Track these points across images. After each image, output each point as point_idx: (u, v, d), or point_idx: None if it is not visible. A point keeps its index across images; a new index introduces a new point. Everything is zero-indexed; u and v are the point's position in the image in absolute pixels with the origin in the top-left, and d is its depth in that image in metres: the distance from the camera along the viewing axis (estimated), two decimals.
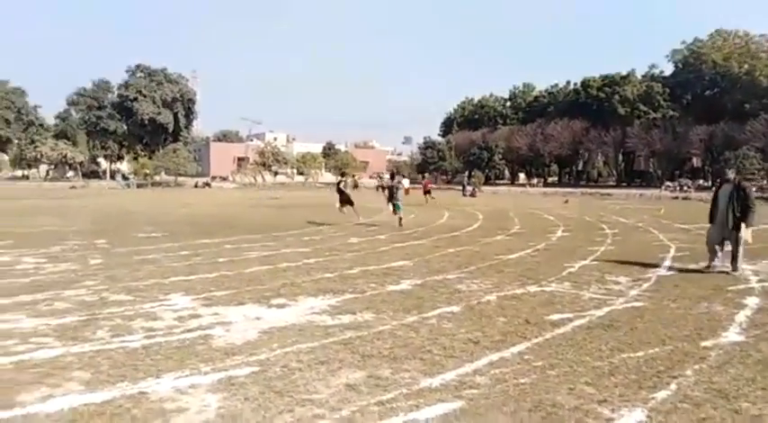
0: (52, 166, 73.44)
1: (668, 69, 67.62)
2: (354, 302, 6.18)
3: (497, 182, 77.67)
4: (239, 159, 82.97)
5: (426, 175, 59.94)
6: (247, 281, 7.33)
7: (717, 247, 8.54)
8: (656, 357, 4.40)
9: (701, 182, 56.78)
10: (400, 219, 15.22)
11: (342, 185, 17.62)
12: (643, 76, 68.29)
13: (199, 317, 5.51)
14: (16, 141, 75.02)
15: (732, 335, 5.07)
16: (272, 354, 4.39)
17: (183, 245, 10.93)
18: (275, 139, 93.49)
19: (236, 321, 5.36)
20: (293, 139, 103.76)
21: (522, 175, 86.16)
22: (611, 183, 72.80)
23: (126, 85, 77.24)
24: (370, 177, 77.12)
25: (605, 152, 72.64)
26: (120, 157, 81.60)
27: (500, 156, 72.11)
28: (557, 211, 22.49)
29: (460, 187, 44.26)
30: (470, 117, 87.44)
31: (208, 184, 58.43)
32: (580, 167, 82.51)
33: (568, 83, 76.50)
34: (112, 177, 73.28)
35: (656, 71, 68.34)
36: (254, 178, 68.06)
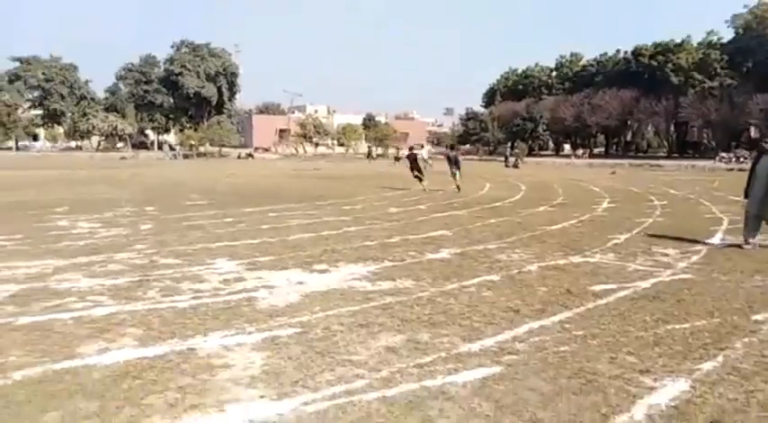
0: (103, 138, 76.16)
1: (727, 35, 63.75)
2: (394, 270, 6.23)
3: (541, 153, 75.91)
4: (281, 131, 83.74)
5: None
6: (290, 247, 7.48)
7: (756, 222, 7.89)
8: (704, 329, 4.28)
9: None
10: (458, 186, 17.06)
11: (415, 156, 18.94)
12: (699, 44, 64.67)
13: (243, 280, 5.68)
14: (69, 114, 77.98)
15: None
16: (313, 316, 4.50)
17: (227, 212, 11.22)
18: (316, 111, 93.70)
19: (279, 285, 5.50)
20: (334, 111, 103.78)
21: (567, 146, 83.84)
22: (662, 154, 70.05)
23: (171, 61, 78.91)
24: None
25: (656, 123, 69.72)
26: (166, 129, 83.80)
27: (544, 126, 70.30)
28: (603, 183, 21.85)
29: (503, 158, 43.50)
30: (514, 88, 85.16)
31: (251, 155, 59.39)
32: (629, 138, 79.64)
33: (618, 51, 73.23)
34: (160, 148, 75.38)
35: (714, 38, 64.54)
36: (296, 149, 68.77)
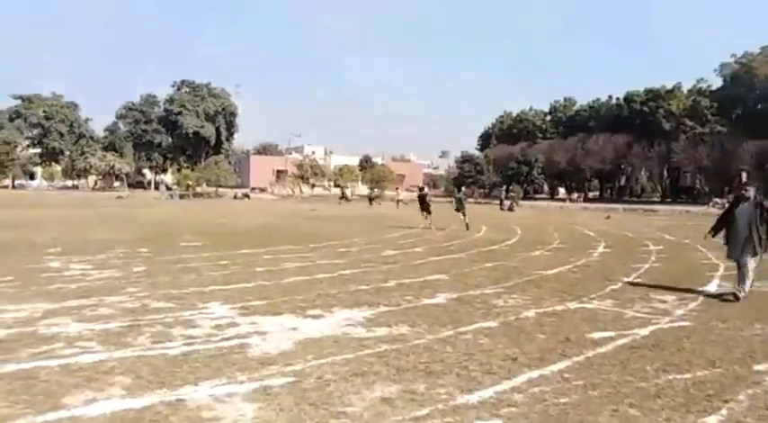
0: (100, 177, 76.50)
1: (716, 83, 65.53)
2: (389, 315, 6.15)
3: (536, 196, 76.54)
4: (278, 172, 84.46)
5: (425, 186, 61.61)
6: (284, 291, 7.39)
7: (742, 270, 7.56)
8: (706, 380, 4.20)
9: None
10: (467, 224, 18.88)
11: (424, 196, 21.09)
12: (689, 91, 66.45)
13: (236, 326, 5.58)
14: (68, 153, 78.55)
15: None
16: (307, 364, 4.40)
17: (222, 254, 11.14)
18: (313, 152, 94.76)
19: (272, 331, 5.40)
20: (331, 153, 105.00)
21: (561, 190, 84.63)
22: (656, 199, 70.78)
23: (171, 100, 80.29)
24: (407, 190, 77.15)
25: (649, 167, 70.79)
26: (164, 169, 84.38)
27: (539, 170, 71.17)
28: (598, 227, 21.95)
29: (498, 201, 43.82)
30: (509, 131, 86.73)
31: (247, 196, 59.67)
32: (622, 183, 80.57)
33: (610, 97, 75.14)
34: (156, 188, 75.72)
35: (704, 85, 66.33)
36: (292, 190, 69.10)
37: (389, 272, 9.27)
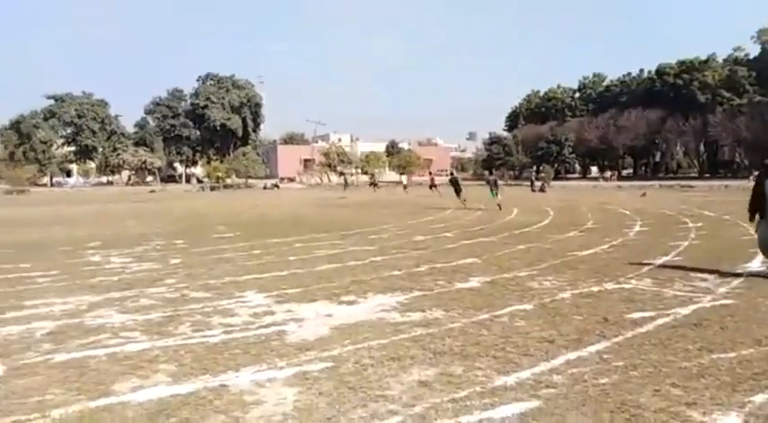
0: (133, 172, 78.34)
1: (754, 51, 62.96)
2: (423, 300, 6.17)
3: (568, 176, 75.31)
4: (305, 161, 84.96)
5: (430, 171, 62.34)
6: (317, 278, 7.50)
7: None
8: (752, 358, 4.11)
9: None
10: (499, 204, 19.83)
11: (456, 179, 23.55)
12: (725, 60, 64.01)
13: (273, 313, 5.70)
14: (101, 149, 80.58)
15: None
16: (343, 349, 4.47)
17: (255, 244, 11.34)
18: (339, 139, 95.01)
19: (308, 318, 5.50)
20: (357, 139, 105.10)
21: (594, 169, 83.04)
22: (693, 174, 68.76)
23: (197, 94, 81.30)
24: (436, 174, 76.83)
25: (685, 142, 68.71)
26: (194, 162, 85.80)
27: (570, 149, 69.86)
28: (633, 206, 21.49)
29: (528, 183, 43.26)
30: (537, 110, 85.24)
31: (276, 186, 60.34)
32: (657, 159, 78.53)
33: (642, 71, 73.01)
34: (188, 181, 77.16)
35: (740, 54, 63.79)
36: (320, 179, 69.50)
37: (421, 257, 9.29)
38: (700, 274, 7.32)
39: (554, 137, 69.67)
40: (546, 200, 27.17)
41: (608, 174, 65.06)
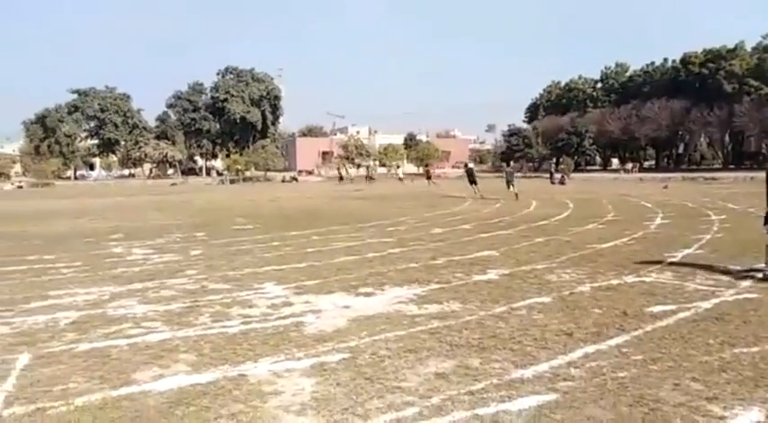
0: (154, 165, 79.36)
1: None
2: (440, 292, 6.17)
3: (588, 168, 74.31)
4: (324, 153, 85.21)
5: (428, 163, 63.02)
6: (335, 270, 7.53)
7: None
8: None
9: None
10: (516, 194, 21.23)
11: (471, 171, 25.34)
12: (754, 48, 62.26)
13: (291, 305, 5.75)
14: (123, 143, 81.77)
15: None
16: (361, 341, 4.49)
17: (273, 236, 11.43)
18: (358, 132, 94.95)
19: (325, 309, 5.53)
20: (375, 132, 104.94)
21: (615, 161, 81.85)
22: (717, 166, 67.33)
23: (217, 87, 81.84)
24: (453, 167, 76.56)
25: (709, 133, 67.19)
26: (214, 155, 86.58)
27: (590, 141, 68.82)
28: (655, 198, 21.14)
29: (548, 175, 42.83)
30: (557, 101, 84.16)
31: (294, 179, 60.65)
32: (680, 150, 77.04)
33: (666, 60, 71.45)
34: (208, 174, 77.96)
35: None
36: (339, 171, 69.64)
37: (438, 249, 9.28)
38: (723, 267, 7.18)
39: (574, 128, 68.66)
40: (565, 192, 26.87)
41: (629, 165, 64.00)
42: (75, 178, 78.57)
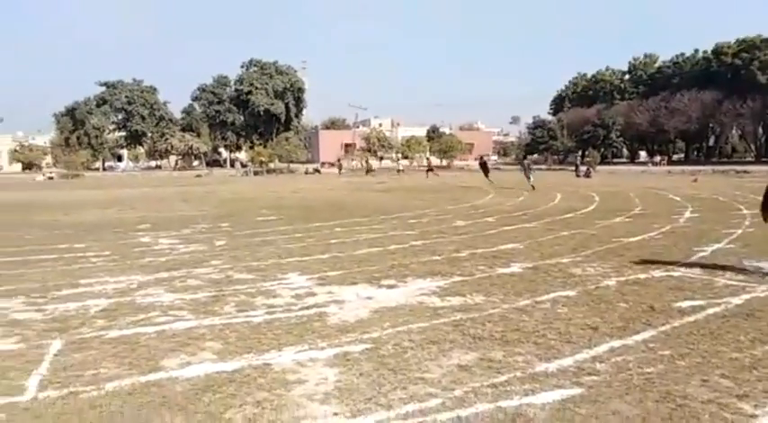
0: (180, 157, 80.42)
1: None
2: (463, 285, 6.15)
3: (615, 161, 73.03)
4: (347, 145, 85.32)
5: (429, 155, 63.33)
6: (358, 262, 7.57)
7: None
8: None
9: None
10: (533, 185, 22.46)
11: (484, 163, 29.72)
12: None
13: (314, 295, 5.80)
14: (149, 135, 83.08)
15: None
16: (383, 332, 4.51)
17: (297, 228, 11.52)
18: (380, 124, 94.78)
19: (348, 300, 5.57)
20: (398, 124, 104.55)
21: (642, 153, 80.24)
22: (749, 159, 65.49)
23: (241, 80, 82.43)
24: (475, 159, 75.86)
25: (741, 125, 65.35)
26: (238, 147, 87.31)
27: (617, 133, 67.52)
28: (684, 191, 20.69)
29: (573, 168, 42.22)
30: (584, 93, 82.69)
31: (317, 171, 60.84)
32: (711, 143, 75.11)
33: (696, 51, 69.56)
34: (232, 165, 78.73)
35: None
36: (361, 164, 69.66)
37: (461, 242, 9.24)
38: (754, 263, 7.01)
39: (601, 120, 67.40)
40: (591, 185, 26.46)
41: (657, 158, 62.62)
42: (104, 169, 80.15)
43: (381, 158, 71.18)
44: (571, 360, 3.84)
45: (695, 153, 76.00)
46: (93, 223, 13.12)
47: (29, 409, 3.23)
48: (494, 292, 5.81)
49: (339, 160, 62.24)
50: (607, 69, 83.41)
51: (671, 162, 63.14)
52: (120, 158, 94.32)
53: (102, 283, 6.52)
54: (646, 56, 79.33)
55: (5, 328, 4.77)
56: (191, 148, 76.16)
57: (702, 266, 6.89)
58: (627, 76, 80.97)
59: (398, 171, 49.82)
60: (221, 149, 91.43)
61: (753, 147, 69.81)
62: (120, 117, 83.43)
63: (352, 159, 68.16)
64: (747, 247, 8.25)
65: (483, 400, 3.23)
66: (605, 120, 67.05)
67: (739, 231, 9.94)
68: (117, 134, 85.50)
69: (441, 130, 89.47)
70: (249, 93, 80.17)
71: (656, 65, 76.84)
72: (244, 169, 62.52)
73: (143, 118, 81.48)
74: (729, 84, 59.67)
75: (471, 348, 4.11)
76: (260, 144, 76.22)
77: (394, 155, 74.95)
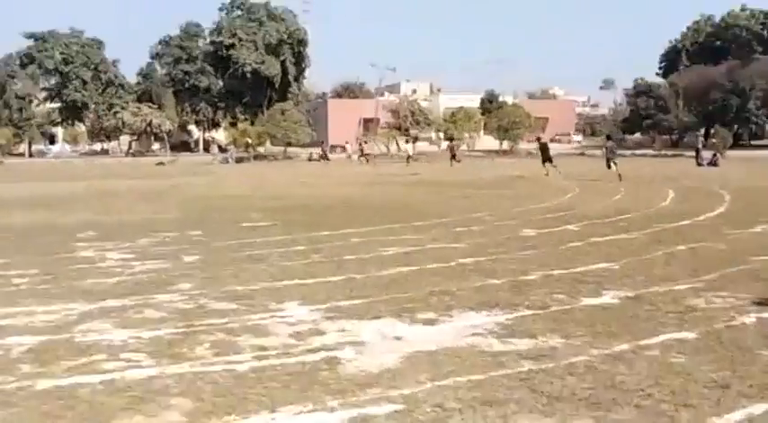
0: (135, 137, 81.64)
1: None
2: (534, 321, 6.13)
3: (754, 143, 71.77)
4: (366, 121, 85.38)
5: (453, 138, 61.85)
6: (383, 287, 7.60)
7: None
8: None
9: None
10: (619, 174, 23.98)
11: (545, 146, 30.77)
12: None
13: (321, 333, 5.83)
14: (93, 107, 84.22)
15: None
16: (419, 388, 4.51)
17: (297, 237, 11.61)
18: (414, 91, 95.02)
19: (369, 341, 5.59)
20: (438, 90, 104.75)
21: None
22: None
23: (219, 30, 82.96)
24: (552, 140, 75.39)
25: None
26: (215, 124, 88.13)
27: (758, 103, 66.38)
28: None
29: (693, 153, 41.68)
30: (708, 45, 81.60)
31: (325, 157, 61.09)
32: None
33: None
34: (207, 150, 79.60)
35: None
36: (387, 147, 69.74)
37: (530, 260, 9.21)
38: None
39: (733, 84, 66.36)
40: (719, 177, 26.07)
41: None
42: (31, 155, 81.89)
43: (416, 139, 71.10)
44: None
45: None
46: (15, 230, 13.42)
47: None
48: (577, 332, 5.77)
49: (361, 143, 60.80)
50: (743, 10, 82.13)
51: None
52: (52, 140, 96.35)
53: (29, 313, 6.66)
54: None
55: None
56: (149, 124, 77.26)
57: None
58: None
59: (410, 157, 49.75)
60: (191, 127, 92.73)
61: None
62: (52, 82, 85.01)
63: (370, 141, 67.13)
64: None
65: None
66: (740, 83, 65.95)
67: None
68: (49, 105, 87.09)
69: (501, 98, 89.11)
70: (231, 46, 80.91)
71: None
72: (223, 155, 63.32)
73: (84, 83, 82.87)
74: None
75: (545, 413, 4.09)
76: (245, 119, 76.92)
77: (433, 134, 74.79)
